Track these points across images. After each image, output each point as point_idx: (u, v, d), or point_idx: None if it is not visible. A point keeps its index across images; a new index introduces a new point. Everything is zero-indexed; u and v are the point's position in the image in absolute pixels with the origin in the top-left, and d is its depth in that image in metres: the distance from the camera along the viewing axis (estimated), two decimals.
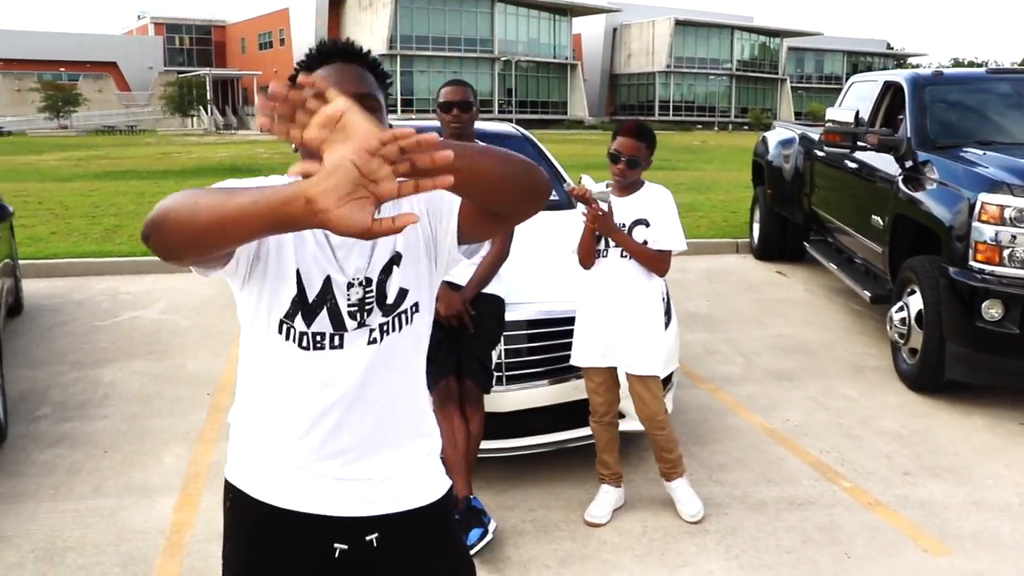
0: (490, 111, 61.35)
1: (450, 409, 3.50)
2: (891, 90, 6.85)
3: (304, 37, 62.75)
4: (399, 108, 54.78)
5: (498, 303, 3.69)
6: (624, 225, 3.54)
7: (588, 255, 3.60)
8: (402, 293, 1.58)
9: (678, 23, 70.89)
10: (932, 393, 5.24)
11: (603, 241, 3.56)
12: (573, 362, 3.72)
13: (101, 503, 3.86)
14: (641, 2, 73.93)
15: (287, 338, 1.55)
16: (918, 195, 5.56)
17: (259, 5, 69.13)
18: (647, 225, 3.54)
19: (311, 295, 1.53)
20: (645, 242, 3.53)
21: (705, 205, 13.61)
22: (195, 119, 62.10)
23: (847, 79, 8.73)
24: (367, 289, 1.55)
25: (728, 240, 10.34)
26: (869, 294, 6.30)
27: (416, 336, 1.65)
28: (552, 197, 5.72)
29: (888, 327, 5.62)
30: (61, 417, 4.88)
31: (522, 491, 3.96)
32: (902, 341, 5.44)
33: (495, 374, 3.75)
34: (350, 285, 1.54)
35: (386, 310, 1.57)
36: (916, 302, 5.28)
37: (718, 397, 5.25)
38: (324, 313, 1.54)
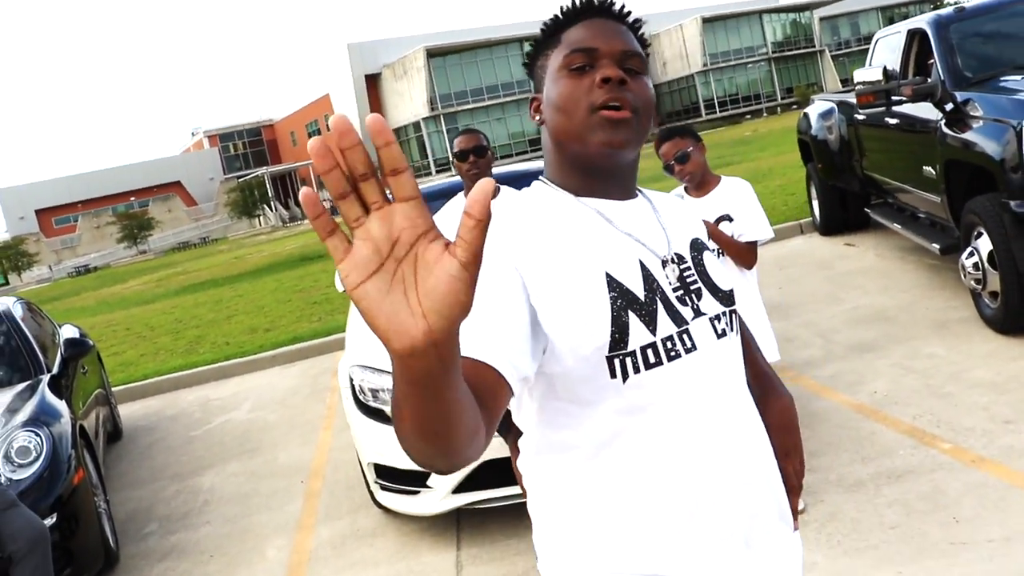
0: (539, 148, 61.77)
1: None
2: (916, 37, 6.67)
3: (349, 118, 64.49)
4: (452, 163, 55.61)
5: None
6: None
7: None
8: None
9: (705, 21, 70.48)
10: (1021, 333, 5.00)
11: None
12: None
13: None
14: (665, 8, 74.00)
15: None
16: (964, 136, 5.38)
17: (301, 97, 71.67)
18: (730, 220, 3.54)
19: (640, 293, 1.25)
20: (732, 235, 3.52)
21: (763, 193, 13.37)
22: (261, 218, 64.24)
23: None
24: (683, 266, 1.32)
25: (791, 223, 10.14)
26: (938, 246, 6.08)
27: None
28: None
29: (962, 275, 5.41)
30: (167, 531, 5.04)
31: None
32: (979, 286, 5.23)
33: None
34: (664, 263, 1.30)
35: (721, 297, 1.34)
36: (985, 244, 5.08)
37: (801, 383, 5.12)
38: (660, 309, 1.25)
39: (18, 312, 6.08)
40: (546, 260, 1.21)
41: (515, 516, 3.99)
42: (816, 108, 9.40)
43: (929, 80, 5.95)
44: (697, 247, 1.36)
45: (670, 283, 1.27)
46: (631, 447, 1.23)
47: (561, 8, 1.32)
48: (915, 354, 5.18)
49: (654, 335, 1.22)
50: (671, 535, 1.24)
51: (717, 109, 70.87)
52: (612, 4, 1.33)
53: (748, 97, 72.83)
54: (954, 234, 5.99)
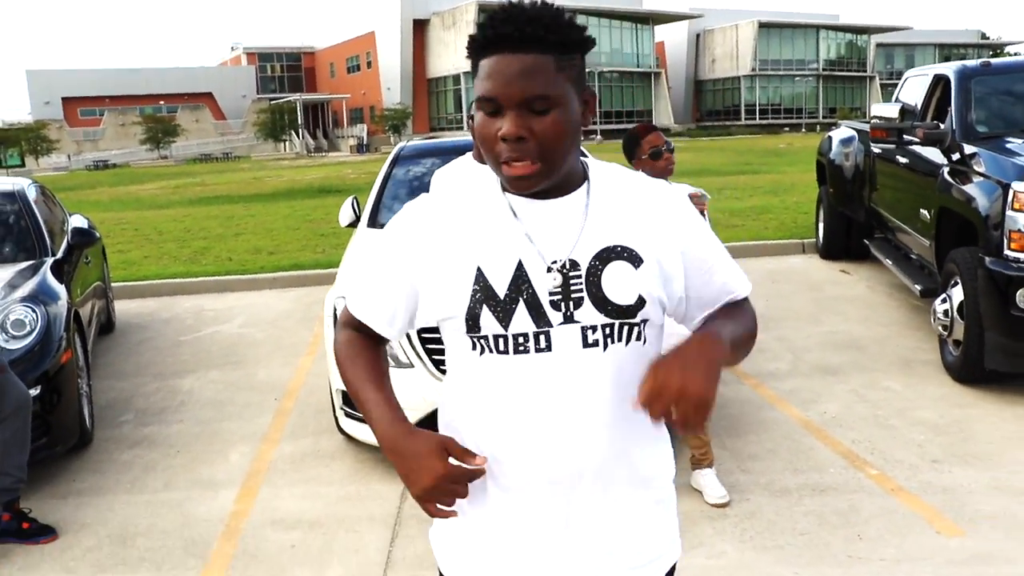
0: None
1: None
2: (941, 83, 6.82)
3: (390, 59, 64.36)
4: None
5: None
6: None
7: None
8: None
9: (762, 25, 69.97)
10: (975, 384, 5.23)
11: None
12: None
13: (171, 495, 4.25)
14: (724, 6, 73.30)
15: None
16: (961, 187, 5.56)
17: (346, 30, 71.27)
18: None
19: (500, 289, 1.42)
20: None
21: (778, 207, 13.54)
22: (287, 143, 64.36)
23: None
24: (571, 274, 1.41)
25: (794, 241, 10.32)
26: (919, 287, 6.29)
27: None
28: None
29: (932, 319, 5.62)
30: (141, 422, 5.33)
31: None
32: (946, 333, 5.45)
33: None
34: (549, 269, 1.41)
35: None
36: (958, 294, 5.29)
37: (760, 392, 5.36)
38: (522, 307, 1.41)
39: (31, 194, 6.31)
40: (435, 252, 1.45)
41: None
42: (839, 133, 9.55)
43: (942, 127, 6.12)
44: (605, 257, 1.41)
45: (548, 287, 1.39)
46: (477, 410, 1.48)
47: (470, 39, 1.39)
48: (873, 385, 5.41)
49: (506, 330, 1.39)
50: (485, 496, 1.49)
51: (758, 116, 70.59)
52: (517, 35, 1.32)
53: (791, 110, 72.49)
54: (937, 279, 6.19)
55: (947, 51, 78.60)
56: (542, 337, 1.39)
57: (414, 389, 4.03)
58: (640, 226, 1.44)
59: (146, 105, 68.56)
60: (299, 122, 64.77)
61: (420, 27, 63.63)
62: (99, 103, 69.19)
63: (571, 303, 1.39)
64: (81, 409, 4.71)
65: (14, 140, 58.13)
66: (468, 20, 59.03)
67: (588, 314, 1.40)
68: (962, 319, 5.22)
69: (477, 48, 1.37)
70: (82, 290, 6.02)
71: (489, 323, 1.40)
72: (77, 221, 7.08)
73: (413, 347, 4.10)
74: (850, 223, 9.26)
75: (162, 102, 69.11)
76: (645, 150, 3.76)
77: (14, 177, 6.86)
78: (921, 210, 6.27)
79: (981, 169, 5.42)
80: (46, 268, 5.37)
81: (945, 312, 5.42)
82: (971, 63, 6.64)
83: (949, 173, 5.77)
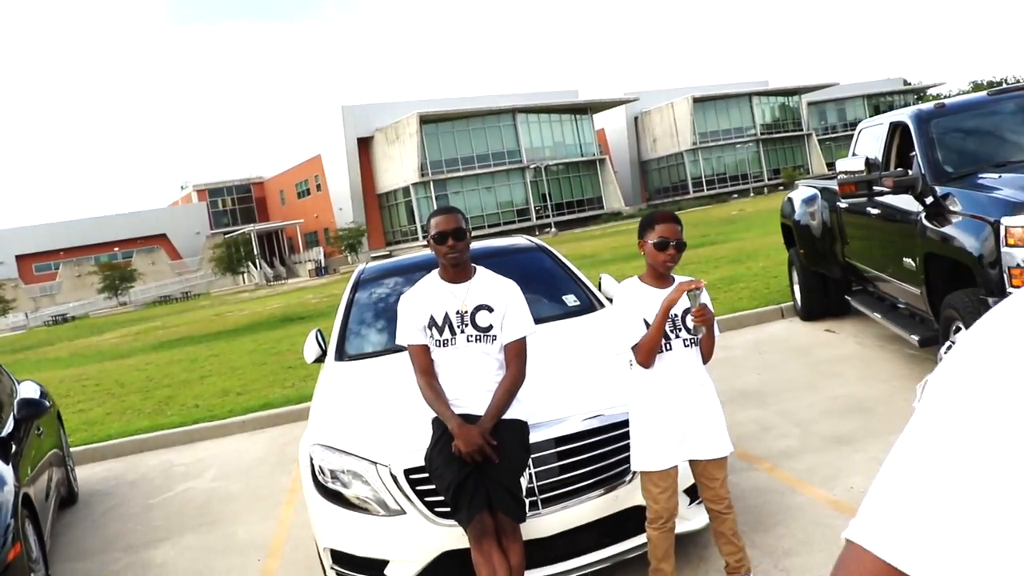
0: (528, 219, 62.23)
1: (487, 546, 3.36)
2: (898, 130, 6.73)
3: (339, 180, 64.91)
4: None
5: (520, 428, 3.56)
6: (677, 316, 3.46)
7: (653, 353, 3.45)
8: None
9: (696, 100, 71.84)
10: None
11: (667, 334, 3.44)
12: (637, 467, 3.52)
13: None
14: (657, 87, 75.37)
15: None
16: (943, 230, 5.37)
17: (292, 157, 71.99)
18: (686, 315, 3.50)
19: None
20: (696, 327, 3.49)
21: (746, 275, 13.41)
22: (245, 275, 64.05)
23: None
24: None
25: (772, 307, 10.10)
26: (917, 338, 6.03)
27: None
28: (572, 302, 5.64)
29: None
30: None
31: None
32: None
33: (529, 499, 3.61)
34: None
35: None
36: None
37: (777, 476, 4.99)
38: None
39: None
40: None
41: None
42: (800, 193, 9.45)
43: (910, 173, 5.97)
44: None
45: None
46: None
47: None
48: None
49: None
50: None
51: (705, 187, 71.78)
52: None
53: (736, 176, 73.88)
54: (933, 326, 5.95)
55: (875, 100, 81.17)
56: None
57: (410, 537, 3.63)
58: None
59: (101, 253, 68.10)
60: (255, 252, 64.59)
61: (364, 144, 64.36)
62: (53, 257, 68.63)
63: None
64: None
65: None
66: (411, 132, 59.90)
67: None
68: None
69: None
70: (34, 466, 5.54)
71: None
72: (27, 390, 6.65)
73: (402, 490, 3.70)
74: (826, 281, 9.08)
75: (116, 248, 68.72)
76: (654, 236, 3.49)
77: None
78: (904, 258, 6.06)
79: (959, 209, 5.24)
80: None
81: None
82: (925, 106, 6.56)
83: (927, 217, 5.59)
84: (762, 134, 74.40)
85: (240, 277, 64.09)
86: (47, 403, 6.04)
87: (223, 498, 6.62)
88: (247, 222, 73.47)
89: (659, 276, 3.52)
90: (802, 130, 76.59)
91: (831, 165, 72.17)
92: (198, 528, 5.98)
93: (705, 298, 3.37)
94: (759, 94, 75.79)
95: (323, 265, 61.97)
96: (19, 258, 68.16)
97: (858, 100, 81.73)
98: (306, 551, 5.01)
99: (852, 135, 8.02)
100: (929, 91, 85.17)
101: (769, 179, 73.00)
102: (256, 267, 63.88)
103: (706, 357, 3.51)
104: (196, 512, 6.36)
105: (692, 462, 3.49)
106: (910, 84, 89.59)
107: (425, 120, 59.93)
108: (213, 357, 15.39)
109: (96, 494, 7.34)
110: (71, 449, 8.08)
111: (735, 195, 69.65)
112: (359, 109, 63.86)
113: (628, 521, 3.69)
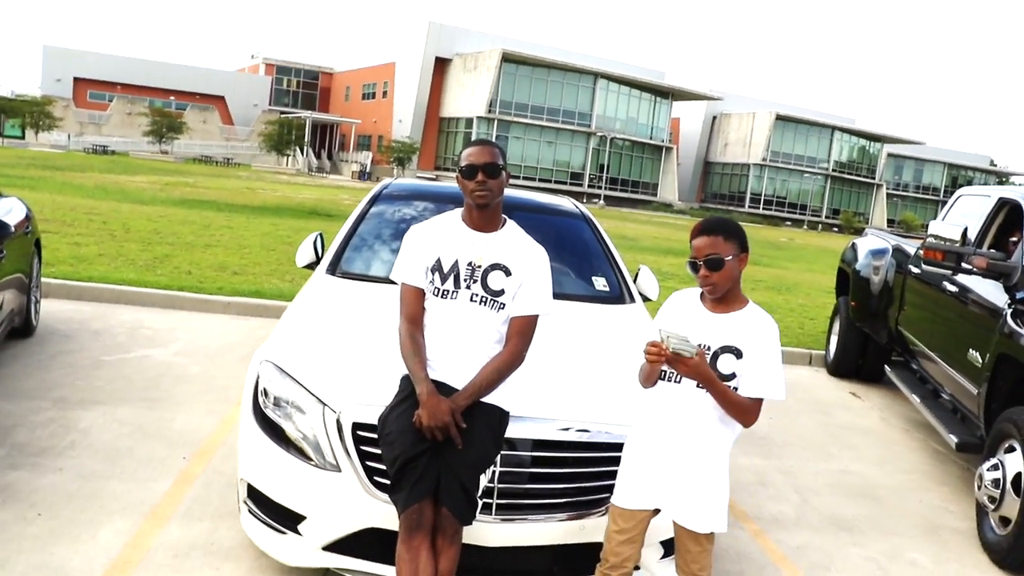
0: (580, 184, 61.33)
1: (417, 541, 2.80)
2: (1006, 208, 6.02)
3: (406, 92, 64.10)
4: None
5: (498, 417, 2.98)
6: (709, 348, 2.80)
7: (652, 374, 2.88)
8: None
9: (779, 118, 70.26)
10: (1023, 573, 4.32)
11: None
12: (616, 502, 2.94)
13: None
14: (743, 93, 73.71)
15: None
16: None
17: (367, 57, 71.12)
18: (738, 356, 2.78)
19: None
20: (733, 375, 2.79)
21: (783, 307, 12.72)
22: (290, 159, 63.69)
23: (945, 191, 7.87)
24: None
25: (802, 350, 9.45)
26: (956, 439, 5.39)
27: None
28: (602, 286, 4.98)
29: (976, 485, 4.72)
30: (12, 463, 4.33)
31: None
32: (992, 506, 4.54)
33: (483, 501, 3.05)
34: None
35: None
36: (1015, 462, 4.40)
37: (762, 543, 4.42)
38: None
39: None
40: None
41: None
42: (867, 243, 8.74)
43: (1010, 260, 5.29)
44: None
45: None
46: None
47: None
48: (896, 554, 4.49)
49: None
50: None
51: (762, 206, 70.50)
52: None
53: (795, 204, 72.50)
54: (976, 432, 5.32)
55: (956, 171, 78.88)
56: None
57: (337, 500, 3.10)
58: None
59: (156, 98, 67.86)
60: (306, 139, 64.17)
61: (441, 65, 63.39)
62: (110, 88, 68.47)
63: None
64: None
65: (18, 111, 57.20)
66: (490, 65, 58.85)
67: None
68: (1017, 495, 4.32)
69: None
70: None
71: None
72: (7, 205, 6.18)
73: (344, 445, 3.15)
74: (867, 341, 8.43)
75: (173, 97, 68.43)
76: (691, 253, 2.85)
77: None
78: (970, 350, 5.40)
79: None
80: None
81: (995, 481, 4.52)
82: None
83: (1014, 315, 4.92)
84: (834, 170, 72.78)
85: (284, 159, 63.76)
86: (11, 227, 5.51)
87: (177, 376, 6.15)
88: (307, 108, 73.01)
89: (712, 298, 2.89)
90: (874, 179, 74.84)
91: (892, 221, 70.59)
92: (138, 402, 5.49)
93: (688, 351, 2.70)
94: (842, 130, 73.99)
95: (367, 170, 61.42)
96: (76, 80, 68.06)
97: (938, 166, 79.49)
98: (234, 464, 4.50)
99: (923, 198, 7.46)
100: (1013, 178, 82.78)
101: (827, 217, 71.57)
102: (303, 153, 63.47)
103: (739, 420, 2.86)
104: (143, 384, 5.88)
105: (680, 526, 2.91)
106: (996, 166, 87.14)
107: (507, 58, 58.88)
108: (227, 228, 14.94)
109: (55, 334, 6.89)
110: (43, 279, 7.64)
111: (788, 222, 68.38)
112: (445, 29, 62.86)
113: (588, 558, 3.14)
